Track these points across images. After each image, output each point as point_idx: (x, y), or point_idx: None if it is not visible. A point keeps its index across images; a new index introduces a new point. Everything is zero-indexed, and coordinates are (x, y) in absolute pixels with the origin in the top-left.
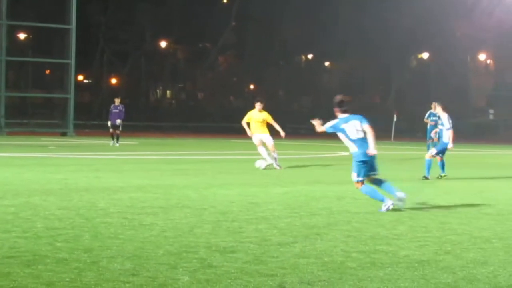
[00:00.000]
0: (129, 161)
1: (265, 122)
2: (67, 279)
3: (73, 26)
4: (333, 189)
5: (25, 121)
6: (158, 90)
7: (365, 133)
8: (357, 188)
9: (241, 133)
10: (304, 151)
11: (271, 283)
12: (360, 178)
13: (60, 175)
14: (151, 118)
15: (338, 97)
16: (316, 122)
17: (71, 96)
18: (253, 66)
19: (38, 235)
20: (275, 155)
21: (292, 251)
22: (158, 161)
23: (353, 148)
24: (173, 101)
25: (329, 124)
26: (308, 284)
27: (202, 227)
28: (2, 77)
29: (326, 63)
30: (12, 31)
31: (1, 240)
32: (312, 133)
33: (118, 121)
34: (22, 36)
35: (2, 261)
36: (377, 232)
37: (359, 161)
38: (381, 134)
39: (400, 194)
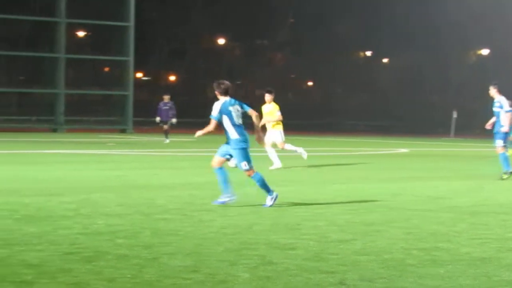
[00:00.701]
0: (186, 158)
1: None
2: (128, 275)
3: (131, 23)
4: (390, 186)
5: (84, 118)
6: None
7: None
8: (249, 176)
9: (299, 129)
10: (361, 147)
11: (331, 280)
12: (251, 165)
13: (119, 172)
14: (208, 116)
15: (220, 80)
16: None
17: (130, 93)
18: (310, 62)
19: (99, 232)
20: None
21: (352, 248)
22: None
23: (234, 135)
24: None
25: (216, 110)
26: (369, 281)
27: (261, 224)
28: (61, 75)
29: (384, 60)
30: (71, 29)
31: (62, 237)
32: (370, 129)
33: (174, 120)
34: (81, 34)
35: (63, 257)
36: (437, 230)
37: (242, 148)
38: (440, 130)
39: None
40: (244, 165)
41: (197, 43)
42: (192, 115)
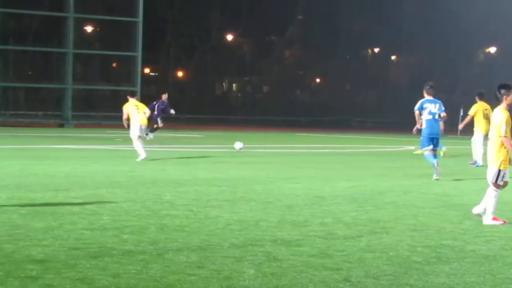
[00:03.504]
0: (195, 154)
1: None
2: (133, 271)
3: (140, 19)
4: (399, 183)
5: (92, 113)
6: (224, 84)
7: None
8: None
9: (307, 126)
10: (370, 144)
11: (336, 277)
12: None
13: (126, 168)
14: (217, 111)
15: None
16: None
17: (138, 89)
18: (319, 59)
19: (105, 227)
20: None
21: (358, 245)
22: (224, 154)
23: None
24: (239, 94)
25: None
26: (374, 278)
27: (268, 221)
28: (69, 70)
29: (393, 57)
30: (79, 24)
31: (68, 232)
32: (378, 127)
33: (173, 111)
34: (89, 29)
35: (68, 252)
36: (443, 227)
37: None
38: (448, 128)
39: None
40: None
41: (206, 40)
42: (200, 111)
